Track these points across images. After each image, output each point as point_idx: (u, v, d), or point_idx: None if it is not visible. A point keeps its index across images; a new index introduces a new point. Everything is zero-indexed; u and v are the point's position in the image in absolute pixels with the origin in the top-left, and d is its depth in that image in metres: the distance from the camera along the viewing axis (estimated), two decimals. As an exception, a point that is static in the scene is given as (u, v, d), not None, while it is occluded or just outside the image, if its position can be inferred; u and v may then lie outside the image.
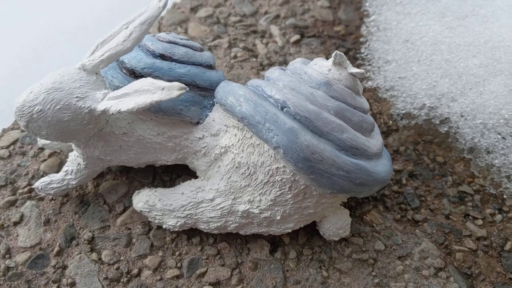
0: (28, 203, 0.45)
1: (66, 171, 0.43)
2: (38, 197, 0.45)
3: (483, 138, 0.48)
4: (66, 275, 0.40)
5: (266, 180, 0.38)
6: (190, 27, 0.61)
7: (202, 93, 0.42)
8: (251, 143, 0.38)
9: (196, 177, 0.45)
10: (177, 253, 0.43)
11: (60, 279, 0.40)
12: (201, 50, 0.45)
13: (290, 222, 0.40)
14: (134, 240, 0.43)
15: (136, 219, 0.44)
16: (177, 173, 0.47)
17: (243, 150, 0.39)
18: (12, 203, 0.45)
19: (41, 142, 0.47)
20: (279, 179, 0.38)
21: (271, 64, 0.57)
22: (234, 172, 0.39)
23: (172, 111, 0.41)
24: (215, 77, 0.43)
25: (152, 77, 0.41)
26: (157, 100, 0.35)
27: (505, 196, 0.47)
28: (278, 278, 0.41)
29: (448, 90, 0.50)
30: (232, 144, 0.39)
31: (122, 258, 0.42)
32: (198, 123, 0.42)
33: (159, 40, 0.43)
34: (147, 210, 0.42)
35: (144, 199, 0.42)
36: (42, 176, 0.46)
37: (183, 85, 0.34)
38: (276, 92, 0.37)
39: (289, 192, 0.38)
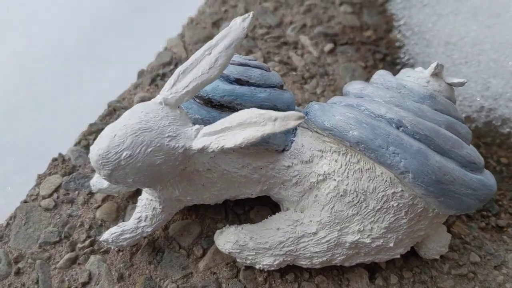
0: (93, 258, 0.39)
1: (139, 218, 0.38)
2: (102, 250, 0.40)
3: (546, 135, 0.48)
4: (163, 338, 0.36)
5: (379, 207, 0.35)
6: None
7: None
8: (359, 168, 0.35)
9: (278, 209, 0.41)
10: (273, 292, 0.39)
11: None
12: (269, 70, 0.41)
13: (400, 248, 0.38)
14: (224, 286, 0.39)
15: (219, 261, 0.40)
16: (249, 205, 0.44)
17: (348, 177, 0.36)
18: (73, 261, 0.39)
19: (96, 186, 0.41)
20: (395, 204, 0.35)
21: (312, 77, 0.54)
22: (338, 201, 0.36)
23: (261, 140, 0.37)
24: (290, 98, 0.40)
25: (234, 105, 0.37)
26: (269, 132, 0.31)
27: None
28: (386, 307, 0.39)
29: (503, 90, 0.50)
30: (333, 171, 0.36)
31: (216, 308, 0.38)
32: (283, 150, 0.38)
33: (230, 63, 0.39)
34: (238, 251, 0.38)
35: (233, 239, 0.38)
36: (101, 225, 0.41)
37: (301, 114, 0.31)
38: (386, 110, 0.35)
39: (404, 217, 0.35)
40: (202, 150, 0.32)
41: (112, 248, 0.39)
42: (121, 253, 0.40)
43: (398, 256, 0.38)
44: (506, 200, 0.47)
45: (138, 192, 0.42)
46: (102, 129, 0.46)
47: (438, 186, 0.33)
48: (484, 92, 0.51)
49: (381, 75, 0.39)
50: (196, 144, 0.33)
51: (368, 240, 0.36)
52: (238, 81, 0.38)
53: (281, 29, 0.59)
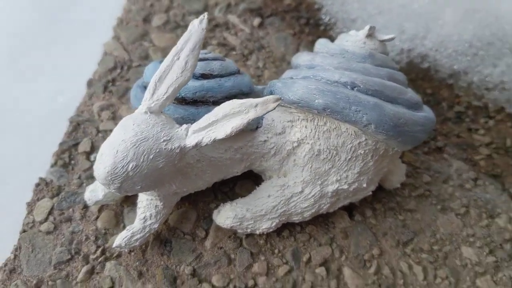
0: (109, 264, 0.43)
1: (144, 218, 0.42)
2: (114, 255, 0.43)
3: (458, 62, 0.57)
4: (196, 314, 0.40)
5: (349, 157, 0.42)
6: (154, 38, 0.59)
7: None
8: (326, 129, 0.41)
9: (258, 179, 0.46)
10: (275, 251, 0.44)
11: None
12: (224, 59, 0.45)
13: (371, 185, 0.44)
14: (233, 256, 0.44)
15: (222, 237, 0.45)
16: (233, 182, 0.48)
17: (319, 138, 0.41)
18: (91, 272, 0.42)
19: (91, 200, 0.44)
20: (362, 152, 0.41)
21: (251, 53, 0.59)
22: (314, 160, 0.42)
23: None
24: (249, 80, 0.45)
25: (206, 98, 0.41)
26: (253, 118, 0.36)
27: (490, 105, 0.57)
28: (369, 237, 0.46)
29: (416, 31, 0.57)
30: (305, 136, 0.42)
31: (232, 276, 0.43)
32: (257, 128, 0.43)
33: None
34: (238, 223, 0.43)
35: (231, 215, 0.43)
36: (106, 233, 0.44)
37: (278, 96, 0.36)
38: (339, 76, 0.40)
39: (371, 160, 0.42)
40: (196, 145, 0.37)
41: (127, 250, 0.42)
42: (133, 253, 0.43)
43: (370, 193, 0.45)
44: (438, 124, 0.55)
45: (131, 196, 0.45)
46: (73, 145, 0.48)
47: (396, 129, 0.39)
48: (401, 36, 0.58)
49: (323, 44, 0.45)
50: (190, 142, 0.37)
51: (345, 186, 0.43)
52: (204, 76, 0.42)
53: (209, 13, 0.62)
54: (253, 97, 0.44)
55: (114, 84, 0.54)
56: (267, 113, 0.36)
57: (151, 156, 0.35)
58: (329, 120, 0.41)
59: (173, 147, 0.36)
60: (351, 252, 0.45)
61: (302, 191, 0.43)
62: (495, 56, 0.56)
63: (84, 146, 0.49)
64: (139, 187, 0.37)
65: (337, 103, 0.39)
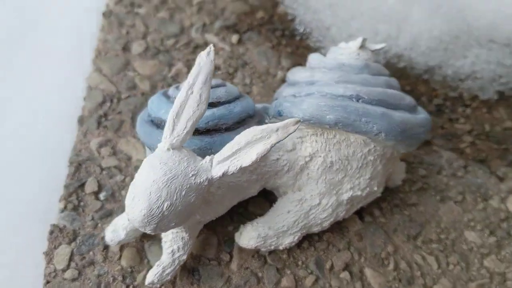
0: (141, 302, 0.43)
1: (172, 251, 0.42)
2: (145, 291, 0.43)
3: (431, 58, 0.60)
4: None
5: (360, 165, 0.44)
6: (138, 67, 0.59)
7: (255, 120, 0.45)
8: (336, 141, 0.43)
9: (270, 195, 0.48)
10: (299, 263, 0.46)
11: None
12: (225, 83, 0.46)
13: (380, 187, 0.47)
14: (260, 274, 0.45)
15: (246, 257, 0.46)
16: (245, 201, 0.49)
17: (330, 150, 0.43)
18: (125, 312, 0.42)
19: (114, 241, 0.44)
20: (371, 158, 0.44)
21: (235, 70, 0.60)
22: (328, 172, 0.44)
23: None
24: (252, 103, 0.46)
25: (219, 126, 0.42)
26: (275, 142, 0.37)
27: (465, 94, 0.61)
28: (381, 235, 0.49)
29: (389, 32, 0.61)
30: (317, 150, 0.43)
31: (264, 294, 0.44)
32: (268, 147, 0.44)
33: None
34: (262, 242, 0.45)
35: (254, 235, 0.44)
36: (132, 271, 0.44)
37: (297, 119, 0.37)
38: (342, 90, 0.42)
39: (379, 165, 0.45)
40: (223, 175, 0.37)
41: (159, 286, 0.43)
42: (163, 287, 0.44)
43: (379, 195, 0.48)
44: (421, 118, 0.59)
45: (149, 230, 0.46)
46: (79, 186, 0.48)
47: (404, 134, 0.42)
48: (375, 38, 0.61)
49: (318, 59, 0.47)
50: (217, 172, 0.37)
51: (359, 192, 0.45)
52: (212, 105, 0.43)
53: (186, 34, 0.63)
54: (257, 117, 0.46)
55: (107, 119, 0.54)
56: (288, 136, 0.37)
57: (183, 193, 0.36)
58: (338, 132, 0.43)
59: (201, 180, 0.37)
60: (368, 253, 0.47)
61: (319, 203, 0.45)
62: (464, 48, 0.60)
63: (90, 186, 0.49)
64: (173, 224, 0.37)
65: (348, 117, 0.41)
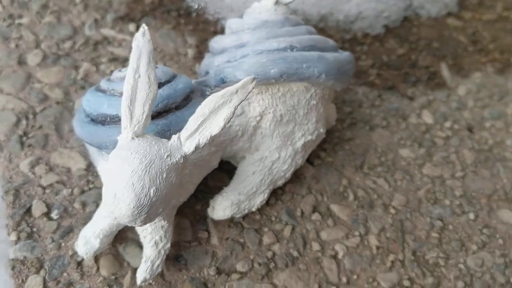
0: (137, 303, 0.41)
1: (155, 242, 0.41)
2: (136, 292, 0.42)
3: (322, 7, 0.65)
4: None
5: (306, 111, 0.46)
6: (42, 76, 0.55)
7: (198, 94, 0.45)
8: (281, 94, 0.45)
9: (224, 165, 0.48)
10: (272, 218, 0.48)
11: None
12: (157, 66, 0.45)
13: (324, 128, 0.50)
14: (242, 240, 0.46)
15: (223, 229, 0.46)
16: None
17: (277, 104, 0.45)
18: (124, 319, 0.41)
19: (89, 253, 0.41)
20: (314, 102, 0.46)
21: (145, 58, 0.58)
22: (279, 125, 0.46)
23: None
24: (187, 77, 0.46)
25: (169, 106, 0.42)
26: (238, 103, 0.38)
27: (358, 34, 0.67)
28: (334, 173, 0.52)
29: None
30: (265, 107, 0.45)
31: (252, 256, 0.45)
32: (216, 117, 0.45)
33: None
34: (236, 208, 0.45)
35: (228, 204, 0.45)
36: (116, 279, 0.42)
37: (252, 76, 0.38)
38: (276, 44, 0.44)
39: (321, 107, 0.48)
40: (196, 149, 0.37)
41: (151, 281, 0.41)
42: (153, 283, 0.42)
43: (324, 135, 0.51)
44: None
45: (118, 232, 0.44)
46: (25, 212, 0.44)
47: (339, 72, 0.45)
48: None
49: (239, 23, 0.48)
50: (189, 148, 0.37)
51: (310, 137, 0.48)
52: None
53: (80, 34, 0.60)
54: (198, 91, 0.46)
55: (28, 137, 0.50)
56: (248, 94, 0.38)
57: (164, 175, 0.35)
58: (281, 85, 0.45)
59: (177, 159, 0.37)
60: (328, 191, 0.51)
61: (279, 156, 0.46)
62: (347, -8, 0.66)
63: (38, 209, 0.45)
64: (161, 209, 0.36)
65: (290, 66, 0.43)
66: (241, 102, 0.38)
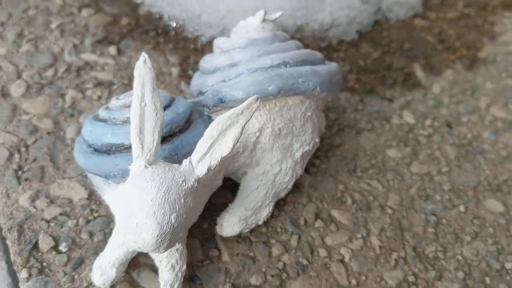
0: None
1: (171, 266, 0.42)
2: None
3: (297, 18, 0.67)
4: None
5: (302, 123, 0.48)
6: (28, 107, 0.54)
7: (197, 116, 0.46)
8: (278, 108, 0.46)
9: (227, 181, 0.49)
10: (278, 229, 0.49)
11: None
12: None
13: (319, 137, 0.51)
14: (252, 254, 0.47)
15: (231, 244, 0.47)
16: (205, 196, 0.50)
17: (275, 119, 0.46)
18: None
19: (107, 283, 0.41)
20: (309, 114, 0.48)
21: (131, 80, 0.58)
22: (278, 139, 0.47)
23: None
24: (184, 99, 0.47)
25: (173, 131, 0.42)
26: (245, 123, 0.39)
27: (333, 41, 0.69)
28: (329, 179, 0.54)
29: (256, 5, 0.65)
30: (264, 123, 0.46)
31: (264, 269, 0.46)
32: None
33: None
34: (244, 224, 0.46)
35: (235, 220, 0.46)
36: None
37: (256, 96, 0.39)
38: (270, 61, 0.45)
39: (315, 118, 0.49)
40: (208, 171, 0.38)
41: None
42: (171, 305, 0.43)
43: (319, 144, 0.52)
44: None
45: (131, 260, 0.44)
46: (32, 248, 0.44)
47: (331, 84, 0.47)
48: (245, 14, 0.65)
49: (228, 42, 0.48)
50: (201, 171, 0.38)
51: (307, 147, 0.49)
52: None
53: (61, 61, 0.59)
54: (196, 112, 0.46)
55: (24, 171, 0.49)
56: (253, 114, 0.39)
57: (182, 201, 0.36)
58: (278, 100, 0.46)
59: (191, 183, 0.37)
60: (327, 198, 0.52)
61: (280, 169, 0.48)
62: (320, 1, 0.68)
63: (45, 243, 0.45)
64: (181, 234, 0.37)
65: (286, 82, 0.44)
66: (247, 122, 0.39)
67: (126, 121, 0.42)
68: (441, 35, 0.74)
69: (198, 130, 0.43)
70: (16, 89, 0.55)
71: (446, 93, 0.66)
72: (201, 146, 0.38)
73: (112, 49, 0.61)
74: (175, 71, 0.61)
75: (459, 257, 0.50)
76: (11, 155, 0.50)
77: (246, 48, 0.47)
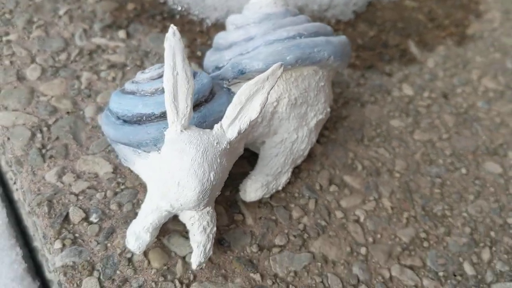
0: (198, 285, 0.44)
1: (203, 228, 0.44)
2: (191, 280, 0.44)
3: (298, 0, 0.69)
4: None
5: (316, 93, 0.50)
6: (46, 89, 0.55)
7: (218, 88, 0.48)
8: (294, 79, 0.49)
9: (245, 152, 0.52)
10: (296, 194, 0.52)
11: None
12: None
13: (329, 107, 0.54)
14: (274, 217, 0.49)
15: (254, 210, 0.50)
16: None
17: (291, 89, 0.49)
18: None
19: (141, 247, 0.43)
20: (322, 84, 0.51)
21: (143, 62, 0.60)
22: (294, 108, 0.49)
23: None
24: (204, 73, 0.49)
25: (199, 100, 0.44)
26: (270, 89, 0.41)
27: (332, 21, 0.72)
28: (339, 148, 0.57)
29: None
30: (280, 93, 0.48)
31: (286, 231, 0.49)
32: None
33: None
34: (266, 189, 0.49)
35: (258, 185, 0.48)
36: (168, 268, 0.44)
37: (279, 63, 0.42)
38: (286, 33, 0.48)
39: (327, 88, 0.52)
40: (239, 134, 0.41)
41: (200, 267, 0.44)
42: (204, 266, 0.45)
43: (329, 114, 0.55)
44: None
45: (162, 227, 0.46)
46: (63, 220, 0.45)
47: (344, 53, 0.49)
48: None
49: (242, 18, 0.51)
50: (232, 134, 0.40)
51: (321, 116, 0.52)
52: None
53: (72, 45, 0.60)
54: (218, 85, 0.49)
55: (47, 149, 0.50)
56: (277, 80, 0.42)
57: (218, 160, 0.39)
58: (293, 71, 0.48)
59: (224, 145, 0.40)
60: (338, 165, 0.55)
61: (297, 137, 0.50)
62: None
63: (76, 215, 0.46)
64: (218, 192, 0.39)
65: (303, 52, 0.46)
66: (272, 87, 0.41)
67: (155, 92, 0.43)
68: (431, 14, 0.78)
69: (222, 100, 0.46)
70: (31, 73, 0.56)
71: (440, 67, 0.69)
72: (230, 111, 0.40)
73: (122, 33, 0.63)
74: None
75: (465, 214, 0.53)
76: (33, 135, 0.51)
77: (261, 23, 0.50)
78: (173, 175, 0.37)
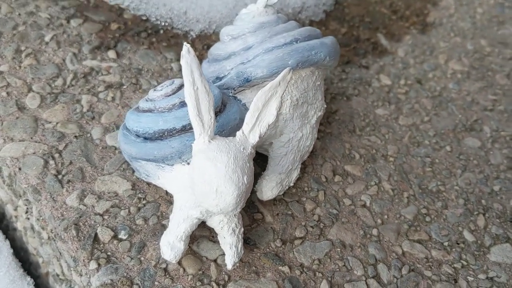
0: (240, 282, 0.47)
1: (232, 230, 0.46)
2: (226, 281, 0.47)
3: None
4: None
5: (314, 92, 0.54)
6: (49, 117, 0.56)
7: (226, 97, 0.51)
8: (294, 81, 0.52)
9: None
10: (305, 189, 0.55)
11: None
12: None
13: (325, 104, 0.58)
14: (290, 212, 0.53)
15: (270, 207, 0.53)
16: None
17: (292, 91, 0.52)
18: None
19: (177, 255, 0.45)
20: (318, 83, 0.54)
21: (138, 79, 0.62)
22: (296, 108, 0.53)
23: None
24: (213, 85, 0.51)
25: (214, 112, 0.47)
26: (282, 93, 0.45)
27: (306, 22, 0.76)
28: (336, 140, 0.61)
29: (234, -3, 0.70)
30: (283, 95, 0.52)
31: (303, 223, 0.52)
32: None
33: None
34: (280, 186, 0.52)
35: (273, 184, 0.52)
36: (203, 273, 0.47)
37: (288, 68, 0.45)
38: (283, 39, 0.51)
39: (322, 86, 0.56)
40: (259, 138, 0.44)
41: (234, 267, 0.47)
42: (236, 267, 0.48)
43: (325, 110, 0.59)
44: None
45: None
46: (93, 241, 0.47)
47: (336, 52, 0.53)
48: (228, 4, 0.70)
49: (237, 29, 0.54)
50: (254, 139, 0.43)
51: (320, 113, 0.56)
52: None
53: (65, 70, 0.61)
54: (225, 94, 0.51)
55: (63, 174, 0.51)
56: (288, 84, 0.45)
57: (247, 165, 0.41)
58: (293, 73, 0.52)
59: (249, 150, 0.43)
60: (338, 156, 0.59)
61: (302, 135, 0.54)
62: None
63: (105, 234, 0.48)
64: (249, 194, 0.42)
65: (303, 55, 0.50)
66: (284, 91, 0.44)
67: (172, 108, 0.46)
68: (392, 7, 0.83)
69: (234, 108, 0.49)
70: (31, 102, 0.57)
71: (410, 55, 0.75)
72: (249, 118, 0.43)
73: (111, 53, 0.64)
74: (174, 66, 0.65)
75: (457, 187, 0.58)
76: (46, 162, 0.52)
77: (256, 32, 0.53)
78: (210, 183, 0.40)
